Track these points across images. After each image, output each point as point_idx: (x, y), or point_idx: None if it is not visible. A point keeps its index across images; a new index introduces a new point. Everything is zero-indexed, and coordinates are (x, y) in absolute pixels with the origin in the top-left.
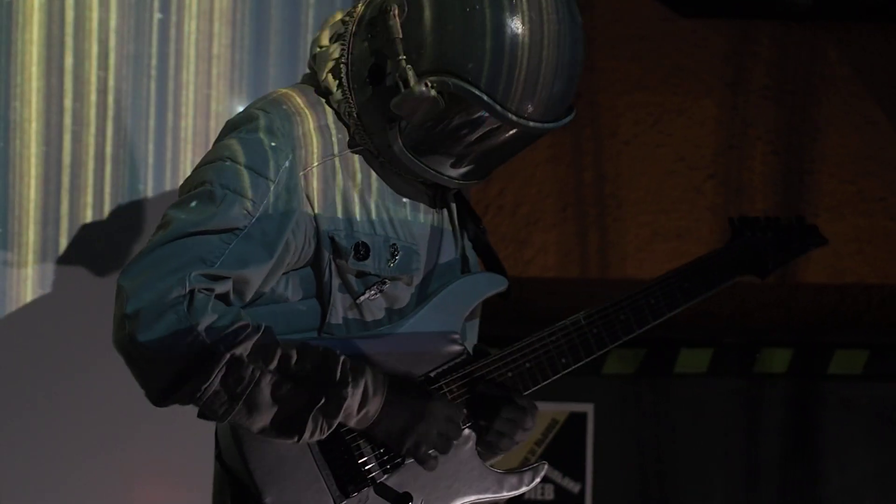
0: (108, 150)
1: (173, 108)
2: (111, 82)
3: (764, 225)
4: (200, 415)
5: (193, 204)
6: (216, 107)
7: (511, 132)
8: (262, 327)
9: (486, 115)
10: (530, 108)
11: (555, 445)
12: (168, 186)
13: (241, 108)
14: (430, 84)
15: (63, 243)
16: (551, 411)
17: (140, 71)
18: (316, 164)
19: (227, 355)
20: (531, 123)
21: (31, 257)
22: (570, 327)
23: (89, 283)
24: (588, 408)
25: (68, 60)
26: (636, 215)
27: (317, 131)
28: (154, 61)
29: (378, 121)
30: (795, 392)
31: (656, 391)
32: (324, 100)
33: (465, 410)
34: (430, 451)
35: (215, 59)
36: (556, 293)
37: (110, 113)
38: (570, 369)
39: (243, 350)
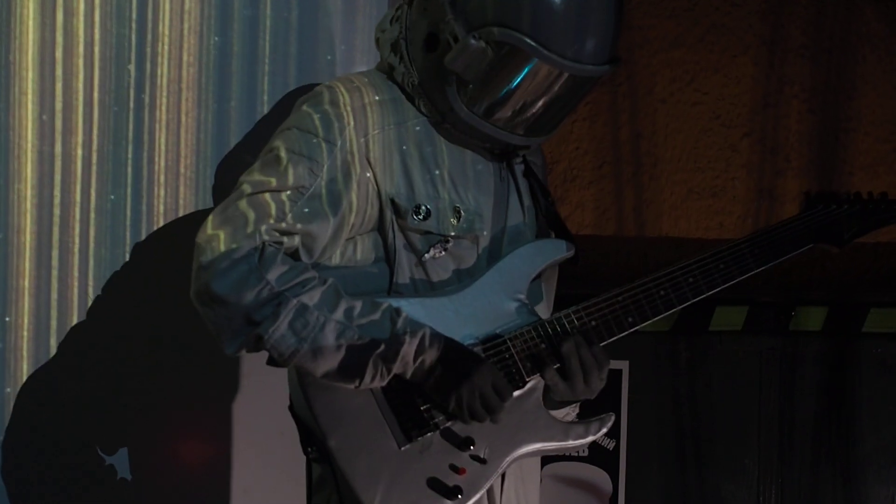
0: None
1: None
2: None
3: (843, 199)
4: (269, 361)
5: (263, 168)
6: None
7: (560, 79)
8: (329, 280)
9: (532, 58)
10: (575, 49)
11: (590, 402)
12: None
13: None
14: (477, 36)
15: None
16: None
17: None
18: (377, 131)
19: (295, 301)
20: (574, 64)
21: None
22: (638, 288)
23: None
24: (623, 365)
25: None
26: (672, 173)
27: (378, 104)
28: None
29: (438, 85)
30: (830, 350)
31: (692, 349)
32: (385, 77)
33: (525, 374)
34: (469, 413)
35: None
36: (593, 250)
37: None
38: (635, 328)
39: (310, 298)
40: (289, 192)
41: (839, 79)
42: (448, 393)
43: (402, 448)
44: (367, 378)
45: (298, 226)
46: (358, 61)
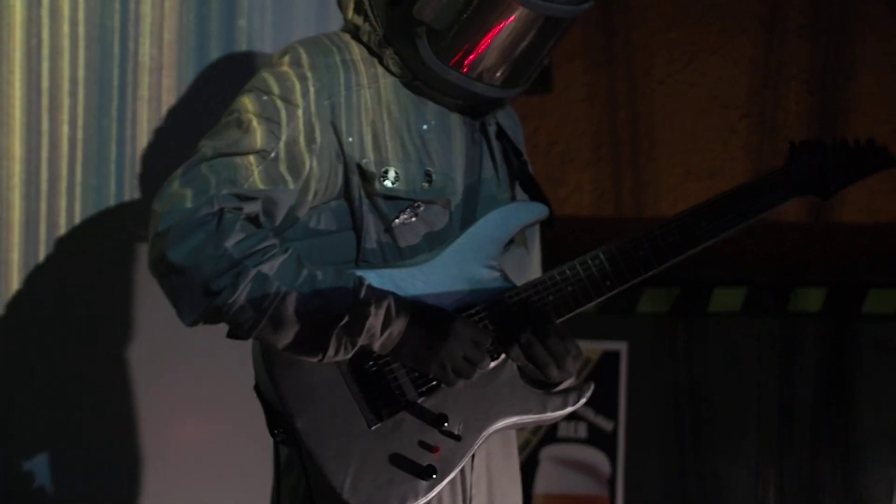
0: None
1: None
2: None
3: (828, 147)
4: (229, 334)
5: (221, 131)
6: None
7: (536, 22)
8: (290, 249)
9: (510, 2)
10: None
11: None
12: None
13: None
14: None
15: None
16: (585, 349)
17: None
18: (344, 92)
19: (254, 271)
20: (550, 4)
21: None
22: (615, 249)
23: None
24: (622, 346)
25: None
26: (670, 155)
27: (344, 64)
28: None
29: (407, 40)
30: (829, 332)
31: (690, 330)
32: (350, 37)
33: (494, 334)
34: (454, 374)
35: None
36: (591, 231)
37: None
38: (614, 291)
39: (269, 268)
40: (250, 156)
41: (838, 59)
42: (427, 360)
43: (373, 427)
44: (331, 351)
45: (259, 190)
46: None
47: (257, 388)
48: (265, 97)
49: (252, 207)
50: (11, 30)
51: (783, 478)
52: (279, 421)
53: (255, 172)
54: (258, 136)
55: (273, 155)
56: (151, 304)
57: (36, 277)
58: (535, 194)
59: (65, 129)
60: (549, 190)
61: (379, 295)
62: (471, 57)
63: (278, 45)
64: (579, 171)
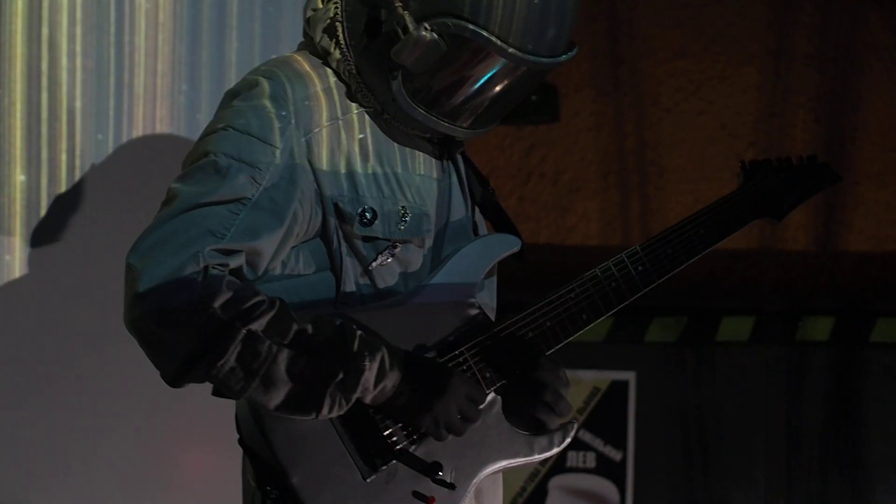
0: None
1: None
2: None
3: (776, 167)
4: (216, 392)
5: (198, 176)
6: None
7: (513, 72)
8: (278, 302)
9: (489, 53)
10: (532, 44)
11: (596, 413)
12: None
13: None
14: (429, 27)
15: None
16: (593, 379)
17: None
18: (319, 128)
19: (244, 331)
20: (532, 58)
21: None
22: (588, 282)
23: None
24: (630, 376)
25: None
26: (677, 183)
27: (318, 96)
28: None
29: (379, 75)
30: (837, 360)
31: (698, 359)
32: (320, 62)
33: (485, 386)
34: (446, 430)
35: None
36: (599, 260)
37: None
38: (590, 325)
39: (259, 326)
40: (229, 205)
41: (845, 88)
42: (420, 414)
43: (368, 479)
44: (325, 410)
45: (242, 243)
46: None
47: (241, 442)
48: (243, 136)
49: (237, 261)
50: (13, 62)
51: None
52: (270, 477)
53: (237, 222)
54: (238, 182)
55: (254, 201)
56: None
57: (36, 300)
58: (503, 224)
59: (63, 157)
60: (557, 219)
61: (372, 346)
62: (444, 100)
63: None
64: (587, 199)
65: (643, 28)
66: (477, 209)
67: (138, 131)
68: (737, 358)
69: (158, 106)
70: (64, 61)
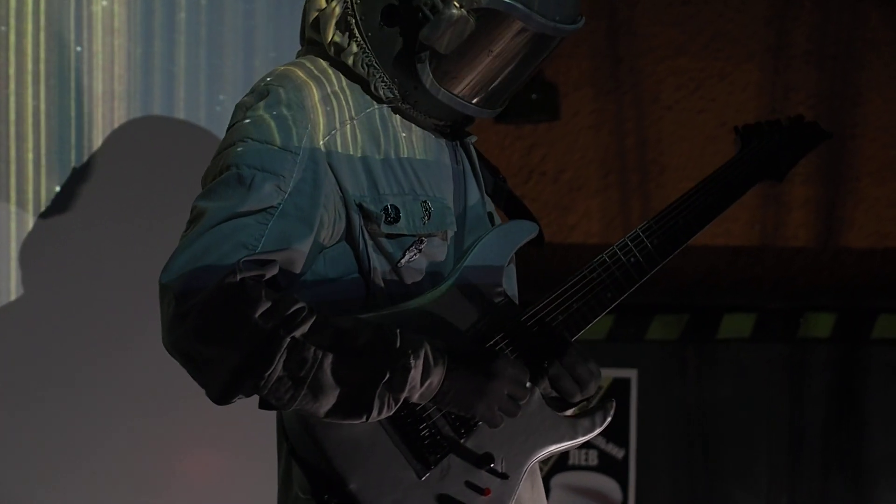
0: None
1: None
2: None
3: (768, 129)
4: (263, 405)
5: (222, 190)
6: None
7: (542, 42)
8: (314, 308)
9: (521, 26)
10: (557, 14)
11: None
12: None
13: None
14: (458, 5)
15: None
16: None
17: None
18: (334, 131)
19: (288, 339)
20: (561, 26)
21: None
22: (608, 260)
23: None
24: (632, 373)
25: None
26: (678, 181)
27: (332, 97)
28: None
29: (401, 62)
30: (839, 357)
31: (700, 357)
32: (327, 65)
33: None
34: (501, 414)
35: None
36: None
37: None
38: (616, 302)
39: (302, 332)
40: (257, 215)
41: (845, 85)
42: (473, 403)
43: (423, 478)
44: (375, 412)
45: (274, 252)
46: None
47: (294, 453)
48: (264, 146)
49: (272, 271)
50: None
51: (794, 502)
52: (328, 485)
53: (266, 232)
54: (264, 192)
55: (281, 210)
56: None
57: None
58: (518, 211)
59: (30, 156)
60: (558, 217)
61: (414, 344)
62: (469, 79)
63: (215, 79)
64: (587, 198)
65: (643, 26)
66: (489, 199)
67: (98, 132)
68: (738, 355)
69: (116, 107)
70: (30, 65)
